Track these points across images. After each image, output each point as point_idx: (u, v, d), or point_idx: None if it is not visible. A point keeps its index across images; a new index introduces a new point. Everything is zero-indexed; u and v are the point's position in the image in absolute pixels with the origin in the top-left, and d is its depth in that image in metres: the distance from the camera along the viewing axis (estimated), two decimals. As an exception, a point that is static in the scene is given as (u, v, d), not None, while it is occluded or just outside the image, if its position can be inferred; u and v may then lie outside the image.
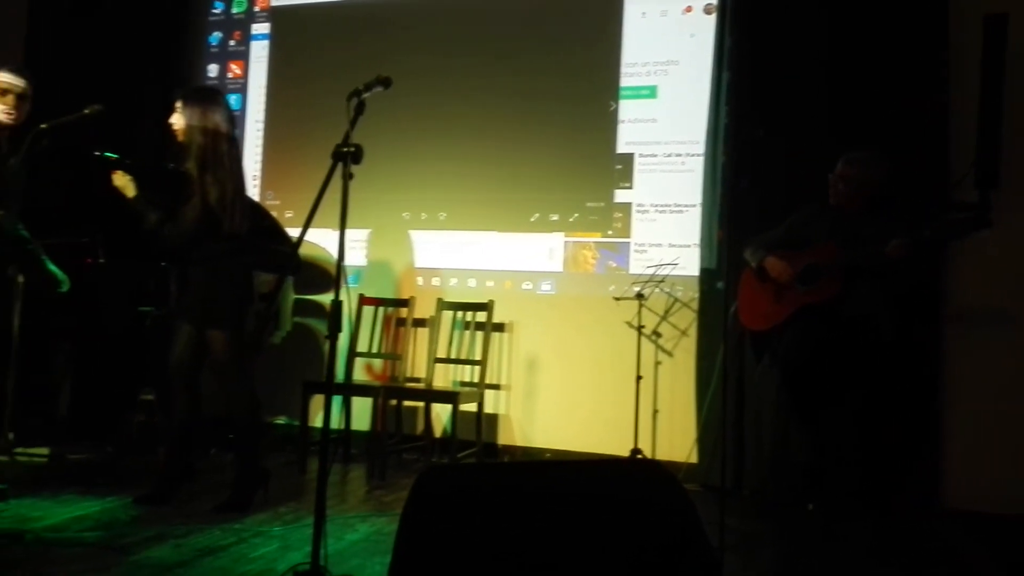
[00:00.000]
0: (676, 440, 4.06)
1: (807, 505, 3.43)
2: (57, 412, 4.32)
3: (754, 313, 3.52)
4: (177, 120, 3.24)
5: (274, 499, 3.34)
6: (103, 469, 3.73)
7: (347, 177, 2.34)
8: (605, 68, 4.44)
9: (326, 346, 2.29)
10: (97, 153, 3.83)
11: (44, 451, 3.91)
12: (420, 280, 4.70)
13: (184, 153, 3.24)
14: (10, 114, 3.03)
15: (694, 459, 3.96)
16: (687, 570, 1.62)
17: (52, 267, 3.34)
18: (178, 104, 3.25)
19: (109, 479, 3.53)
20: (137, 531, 2.82)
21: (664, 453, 4.04)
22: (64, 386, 4.34)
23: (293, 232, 3.36)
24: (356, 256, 4.79)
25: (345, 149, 2.34)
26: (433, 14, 4.80)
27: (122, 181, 3.26)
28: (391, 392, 4.20)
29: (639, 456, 3.94)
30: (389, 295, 4.62)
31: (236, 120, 3.34)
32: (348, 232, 2.32)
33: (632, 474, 1.87)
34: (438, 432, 4.41)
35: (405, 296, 4.55)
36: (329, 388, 2.33)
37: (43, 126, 2.76)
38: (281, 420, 4.61)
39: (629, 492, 1.69)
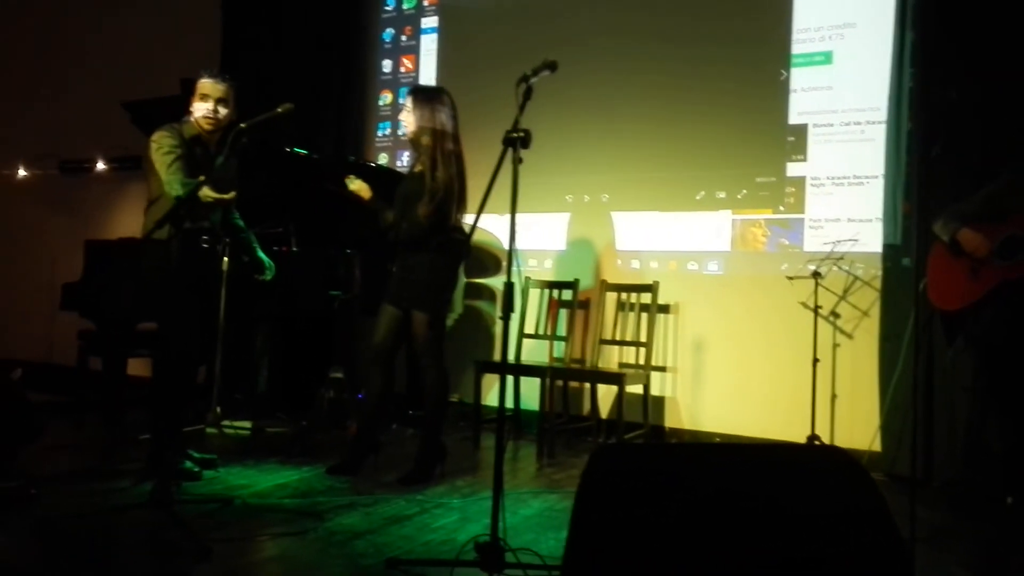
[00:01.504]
0: (857, 427, 3.85)
1: (1006, 498, 3.17)
2: (257, 389, 4.74)
3: (946, 291, 3.26)
4: (407, 120, 3.43)
5: (451, 473, 3.49)
6: (298, 441, 4.03)
7: (516, 162, 2.40)
8: (774, 35, 4.25)
9: (496, 327, 2.37)
10: (288, 149, 4.13)
11: (247, 424, 4.26)
12: (586, 262, 4.73)
13: (416, 152, 3.45)
14: (210, 118, 3.20)
15: (877, 447, 3.75)
16: (875, 562, 1.55)
17: (262, 254, 3.62)
18: (408, 104, 3.43)
19: (304, 450, 3.82)
20: (330, 499, 3.05)
21: (844, 440, 3.85)
22: (263, 365, 4.74)
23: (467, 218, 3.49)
24: (526, 240, 4.86)
25: (514, 134, 2.40)
26: (594, -5, 4.78)
27: (356, 185, 3.49)
28: (557, 373, 4.27)
29: (817, 442, 3.78)
30: (557, 278, 4.68)
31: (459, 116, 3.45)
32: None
33: (815, 460, 1.80)
34: (605, 413, 4.44)
35: (570, 279, 4.59)
36: (503, 368, 2.41)
37: (241, 125, 2.90)
38: (455, 398, 4.80)
39: (813, 478, 1.64)
